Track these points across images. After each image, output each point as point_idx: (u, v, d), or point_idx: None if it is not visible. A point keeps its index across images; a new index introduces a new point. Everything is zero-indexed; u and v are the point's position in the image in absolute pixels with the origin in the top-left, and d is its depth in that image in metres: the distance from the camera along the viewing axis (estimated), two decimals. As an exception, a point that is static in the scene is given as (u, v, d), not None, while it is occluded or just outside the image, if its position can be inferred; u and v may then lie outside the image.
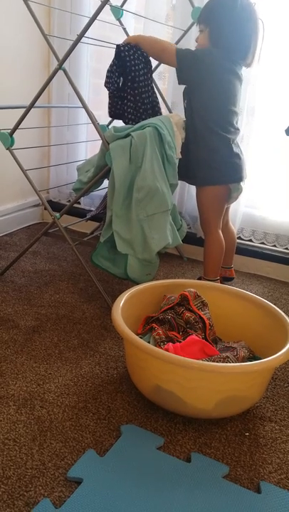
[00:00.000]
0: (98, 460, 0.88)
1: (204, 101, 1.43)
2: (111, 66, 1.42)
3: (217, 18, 1.39)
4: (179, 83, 1.46)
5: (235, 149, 1.48)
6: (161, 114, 1.58)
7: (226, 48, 1.40)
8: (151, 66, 1.52)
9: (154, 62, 1.72)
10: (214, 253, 1.55)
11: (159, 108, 1.56)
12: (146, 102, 1.49)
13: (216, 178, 1.49)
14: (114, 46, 1.43)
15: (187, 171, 1.52)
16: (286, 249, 1.86)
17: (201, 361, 1.01)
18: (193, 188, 1.92)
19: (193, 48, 1.46)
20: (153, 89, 1.53)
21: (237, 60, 1.42)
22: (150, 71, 1.50)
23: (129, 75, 1.43)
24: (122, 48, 1.41)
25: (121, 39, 1.59)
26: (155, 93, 1.54)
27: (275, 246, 1.88)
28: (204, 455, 0.93)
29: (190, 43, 1.74)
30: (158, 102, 1.56)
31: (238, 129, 1.50)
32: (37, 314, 1.41)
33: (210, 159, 1.47)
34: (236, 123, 1.48)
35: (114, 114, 1.50)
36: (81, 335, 1.32)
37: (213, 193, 1.50)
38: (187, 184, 1.92)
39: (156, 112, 1.54)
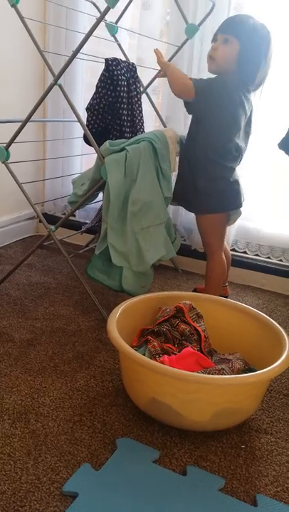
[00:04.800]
0: (93, 474, 0.88)
1: (210, 133, 1.42)
2: (101, 80, 1.46)
3: (249, 33, 1.34)
4: (189, 113, 1.46)
5: (234, 176, 1.47)
6: (143, 131, 1.61)
7: (249, 72, 1.37)
8: (136, 86, 1.56)
9: (147, 78, 1.76)
10: (216, 275, 1.56)
11: (141, 126, 1.61)
12: (125, 119, 1.53)
13: (215, 206, 1.48)
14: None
15: (186, 199, 1.53)
16: (280, 260, 1.87)
17: (196, 373, 1.01)
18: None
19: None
20: (138, 107, 1.58)
21: (251, 87, 1.41)
22: (133, 90, 1.54)
23: (115, 91, 1.47)
24: (110, 62, 1.45)
25: (115, 54, 1.62)
26: (137, 111, 1.57)
27: (269, 258, 1.89)
28: (200, 468, 0.92)
29: (183, 59, 1.77)
30: (140, 120, 1.61)
31: (241, 155, 1.48)
32: (32, 327, 1.40)
33: (209, 188, 1.45)
34: (238, 150, 1.45)
35: (95, 131, 1.52)
36: (76, 348, 1.32)
37: (213, 220, 1.50)
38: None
39: (136, 129, 1.58)
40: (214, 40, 1.41)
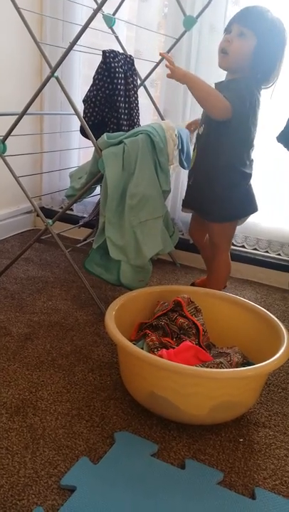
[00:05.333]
0: (92, 468, 0.88)
1: (237, 142, 1.37)
2: (98, 73, 1.45)
3: (268, 30, 1.27)
4: (217, 129, 1.36)
5: (249, 181, 1.45)
6: (139, 125, 1.60)
7: (265, 71, 1.32)
8: (133, 79, 1.55)
9: (144, 71, 1.74)
10: (222, 273, 1.55)
11: (138, 118, 1.60)
12: (122, 112, 1.52)
13: (232, 214, 1.45)
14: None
15: (202, 208, 1.49)
16: (278, 255, 1.87)
17: (195, 367, 1.01)
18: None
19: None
20: (135, 100, 1.57)
21: (264, 86, 1.37)
22: (130, 83, 1.53)
23: (112, 83, 1.45)
24: (107, 54, 1.43)
25: (113, 46, 1.61)
26: (134, 104, 1.56)
27: (267, 252, 1.89)
28: (198, 461, 0.92)
29: (181, 51, 1.76)
30: (137, 113, 1.60)
31: (253, 160, 1.45)
32: (29, 321, 1.40)
33: (227, 196, 1.41)
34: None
35: (92, 124, 1.50)
36: (74, 342, 1.31)
37: (228, 226, 1.47)
38: (180, 191, 1.93)
39: (133, 122, 1.57)
40: (228, 30, 1.33)
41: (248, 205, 1.46)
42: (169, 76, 1.36)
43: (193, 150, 1.51)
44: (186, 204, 1.56)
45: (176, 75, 1.34)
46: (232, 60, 1.32)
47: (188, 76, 1.34)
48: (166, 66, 1.35)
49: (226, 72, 1.42)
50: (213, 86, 1.38)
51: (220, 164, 1.39)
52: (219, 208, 1.43)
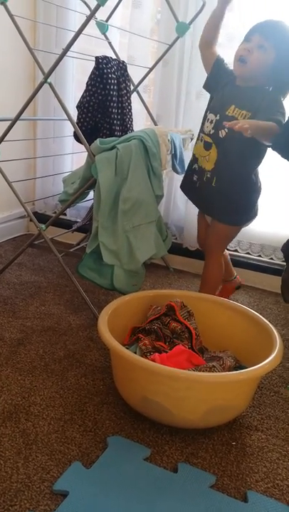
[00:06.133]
0: (84, 472, 0.88)
1: (262, 149, 1.37)
2: (91, 79, 1.45)
3: (287, 48, 1.29)
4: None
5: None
6: (132, 130, 1.61)
7: (284, 87, 1.34)
8: (126, 85, 1.56)
9: (137, 76, 1.75)
10: (214, 276, 1.53)
11: (131, 124, 1.60)
12: (115, 118, 1.53)
13: (244, 219, 1.48)
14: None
15: (218, 211, 1.47)
16: (271, 259, 1.88)
17: (187, 371, 1.01)
18: (179, 199, 1.94)
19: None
20: (128, 105, 1.57)
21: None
22: (123, 88, 1.54)
23: (105, 89, 1.46)
24: (100, 60, 1.44)
25: (106, 52, 1.62)
26: (127, 109, 1.57)
27: (260, 256, 1.90)
28: (191, 465, 0.93)
29: (174, 57, 1.77)
30: (130, 118, 1.60)
31: None
32: (22, 326, 1.40)
33: (245, 201, 1.44)
34: None
35: (85, 129, 1.51)
36: (67, 346, 1.31)
37: (235, 230, 1.50)
38: (173, 195, 1.94)
39: (126, 128, 1.58)
40: (247, 39, 1.32)
41: (256, 210, 1.49)
42: (248, 134, 1.21)
43: (208, 149, 1.43)
44: (195, 202, 1.56)
45: (253, 129, 1.21)
46: (250, 70, 1.33)
47: (257, 123, 1.25)
48: (239, 128, 1.19)
49: None
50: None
51: (245, 170, 1.41)
52: (234, 211, 1.45)
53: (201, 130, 1.47)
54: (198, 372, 1.04)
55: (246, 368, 1.05)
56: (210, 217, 1.53)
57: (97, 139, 1.34)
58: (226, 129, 1.36)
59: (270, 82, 1.35)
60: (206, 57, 1.47)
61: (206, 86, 1.50)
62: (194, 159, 1.50)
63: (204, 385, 0.95)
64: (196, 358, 1.12)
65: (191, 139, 1.78)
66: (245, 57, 1.31)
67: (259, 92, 1.35)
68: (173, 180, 1.91)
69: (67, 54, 1.34)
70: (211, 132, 1.41)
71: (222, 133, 1.38)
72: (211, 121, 1.42)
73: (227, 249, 1.90)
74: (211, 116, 1.42)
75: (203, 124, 1.46)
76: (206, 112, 1.46)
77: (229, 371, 1.08)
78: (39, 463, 0.90)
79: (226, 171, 1.41)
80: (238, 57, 1.33)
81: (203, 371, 1.05)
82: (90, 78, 1.48)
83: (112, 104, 1.51)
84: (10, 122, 1.46)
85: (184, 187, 1.59)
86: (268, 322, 1.15)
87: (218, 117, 1.39)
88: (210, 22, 1.42)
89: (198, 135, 1.48)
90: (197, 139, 1.49)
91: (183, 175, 1.59)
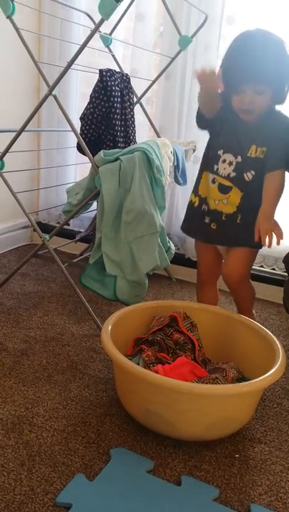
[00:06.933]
0: (87, 484, 0.88)
1: None
2: (95, 91, 1.47)
3: (281, 76, 1.20)
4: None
5: None
6: (135, 142, 1.63)
7: (283, 99, 1.25)
8: (130, 97, 1.58)
9: (140, 89, 1.77)
10: (251, 297, 1.45)
11: (134, 136, 1.62)
12: (118, 129, 1.54)
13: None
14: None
15: (235, 239, 1.33)
16: (273, 269, 1.88)
17: (190, 383, 1.01)
18: (181, 210, 1.95)
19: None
20: (131, 118, 1.59)
21: None
22: (126, 101, 1.55)
23: (109, 101, 1.48)
24: (104, 73, 1.46)
25: (110, 65, 1.64)
26: (130, 121, 1.59)
27: (262, 266, 1.90)
28: (194, 478, 0.92)
29: (177, 70, 1.79)
30: (133, 130, 1.61)
31: None
32: (25, 337, 1.40)
33: None
34: None
35: (89, 141, 1.53)
36: (70, 357, 1.31)
37: (255, 253, 1.38)
38: (175, 206, 1.95)
39: (129, 140, 1.59)
40: (242, 91, 1.20)
41: None
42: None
43: (225, 192, 1.30)
44: (209, 241, 1.39)
45: (268, 224, 1.23)
46: (256, 116, 1.24)
47: (269, 212, 1.25)
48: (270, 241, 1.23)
49: None
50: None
51: (258, 200, 1.29)
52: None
53: (212, 170, 1.32)
54: (201, 384, 1.04)
55: (249, 379, 1.05)
56: (229, 246, 1.38)
57: (101, 151, 1.36)
58: (252, 172, 1.27)
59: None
60: (210, 111, 1.30)
61: (206, 127, 1.35)
62: (201, 200, 1.35)
63: (207, 397, 0.95)
64: (199, 369, 1.12)
65: (194, 151, 1.79)
66: (251, 109, 1.22)
67: (269, 119, 1.25)
68: (175, 192, 1.93)
69: (71, 67, 1.35)
70: (232, 175, 1.28)
71: (248, 176, 1.27)
72: (230, 163, 1.28)
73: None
74: (228, 157, 1.29)
75: (214, 163, 1.31)
76: (215, 150, 1.32)
77: (232, 383, 1.08)
78: (42, 475, 0.90)
79: (252, 207, 1.28)
80: (244, 109, 1.23)
81: (206, 383, 1.05)
82: (94, 90, 1.50)
83: (115, 116, 1.52)
84: (15, 134, 1.47)
85: (189, 230, 1.45)
86: (270, 333, 1.15)
87: (239, 159, 1.27)
88: (206, 104, 1.29)
89: (206, 174, 1.34)
90: (201, 178, 1.36)
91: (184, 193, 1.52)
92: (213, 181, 1.32)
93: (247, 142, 1.26)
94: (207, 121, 1.32)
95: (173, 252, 1.67)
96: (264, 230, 1.23)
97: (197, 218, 1.37)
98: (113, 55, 1.79)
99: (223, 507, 0.86)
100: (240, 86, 1.20)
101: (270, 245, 1.23)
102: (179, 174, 1.60)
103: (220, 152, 1.30)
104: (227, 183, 1.30)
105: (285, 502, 0.89)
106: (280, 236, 1.22)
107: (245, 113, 1.24)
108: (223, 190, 1.31)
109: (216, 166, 1.31)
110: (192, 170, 1.77)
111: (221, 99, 1.26)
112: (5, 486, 0.86)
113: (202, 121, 1.33)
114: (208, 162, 1.33)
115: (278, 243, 1.23)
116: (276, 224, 1.25)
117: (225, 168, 1.29)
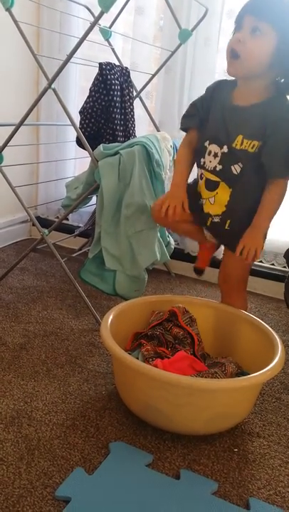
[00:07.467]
0: (86, 478, 0.88)
1: None
2: (95, 84, 1.46)
3: None
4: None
5: None
6: (134, 136, 1.62)
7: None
8: (129, 91, 1.57)
9: (140, 82, 1.76)
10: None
11: (133, 130, 1.61)
12: (118, 123, 1.53)
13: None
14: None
15: (227, 243, 1.26)
16: (272, 265, 1.88)
17: (189, 377, 1.01)
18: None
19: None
20: (131, 111, 1.58)
21: None
22: (126, 94, 1.55)
23: (108, 95, 1.47)
24: (103, 66, 1.45)
25: (109, 58, 1.63)
26: (130, 115, 1.58)
27: (261, 262, 1.90)
28: (193, 472, 0.93)
29: (177, 63, 1.78)
30: (132, 124, 1.61)
31: None
32: (24, 331, 1.40)
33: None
34: None
35: (88, 134, 1.52)
36: (69, 351, 1.31)
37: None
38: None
39: (129, 133, 1.59)
40: (239, 26, 1.01)
41: None
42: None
43: (212, 189, 1.17)
44: (221, 239, 1.30)
45: (257, 242, 1.13)
46: (245, 66, 1.01)
47: (262, 227, 1.15)
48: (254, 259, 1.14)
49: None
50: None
51: (260, 197, 1.14)
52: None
53: (199, 164, 1.19)
54: (200, 378, 1.04)
55: (248, 374, 1.05)
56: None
57: (100, 145, 1.35)
58: (240, 164, 1.10)
59: (276, 72, 1.04)
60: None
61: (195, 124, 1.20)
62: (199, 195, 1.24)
63: (206, 391, 0.95)
64: (198, 364, 1.12)
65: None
66: (238, 50, 1.00)
67: (269, 108, 1.06)
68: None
69: (70, 60, 1.35)
70: (218, 168, 1.12)
71: (236, 168, 1.10)
72: (216, 155, 1.13)
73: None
74: (213, 148, 1.13)
75: (201, 156, 1.18)
76: (202, 142, 1.17)
77: (231, 377, 1.08)
78: (41, 468, 0.90)
79: (242, 209, 1.15)
80: (229, 52, 1.03)
81: (205, 377, 1.05)
82: (94, 84, 1.49)
83: (115, 110, 1.52)
84: (14, 127, 1.47)
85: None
86: (269, 328, 1.15)
87: (225, 150, 1.11)
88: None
89: (198, 171, 1.22)
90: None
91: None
92: (201, 177, 1.19)
93: (233, 130, 1.09)
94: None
95: (172, 247, 1.68)
96: (251, 246, 1.11)
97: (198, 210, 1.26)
98: (113, 49, 1.78)
99: (222, 501, 0.86)
100: (241, 19, 1.01)
101: (249, 263, 1.13)
102: (178, 169, 1.60)
103: (206, 143, 1.15)
104: (213, 177, 1.15)
105: (283, 496, 0.89)
106: (257, 257, 1.13)
107: (232, 60, 1.02)
108: (210, 186, 1.17)
109: (202, 160, 1.17)
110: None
111: (208, 89, 1.18)
112: (4, 480, 0.86)
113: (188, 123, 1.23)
114: (197, 156, 1.21)
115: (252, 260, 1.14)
116: (263, 242, 1.13)
117: (211, 161, 1.14)
